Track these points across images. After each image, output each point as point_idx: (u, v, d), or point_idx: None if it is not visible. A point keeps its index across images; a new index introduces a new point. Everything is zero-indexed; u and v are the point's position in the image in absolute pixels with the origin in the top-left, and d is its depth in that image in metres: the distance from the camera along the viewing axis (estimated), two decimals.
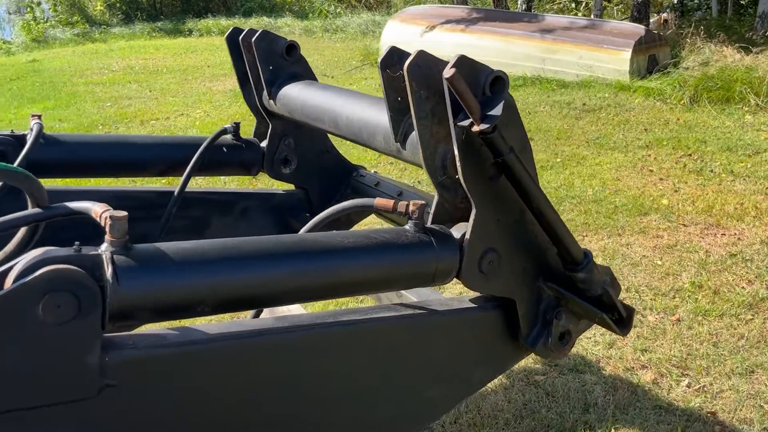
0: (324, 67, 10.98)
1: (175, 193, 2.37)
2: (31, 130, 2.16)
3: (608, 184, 5.59)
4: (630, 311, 1.87)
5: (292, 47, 2.47)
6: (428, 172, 1.71)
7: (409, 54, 1.60)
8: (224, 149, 2.58)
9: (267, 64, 2.46)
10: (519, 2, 12.54)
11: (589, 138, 6.86)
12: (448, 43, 9.88)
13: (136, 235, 2.55)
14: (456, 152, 1.56)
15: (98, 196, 2.39)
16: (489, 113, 1.51)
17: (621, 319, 1.86)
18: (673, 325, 3.47)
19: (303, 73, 2.54)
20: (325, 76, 10.32)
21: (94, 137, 2.59)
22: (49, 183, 2.84)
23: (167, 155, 2.46)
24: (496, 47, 9.30)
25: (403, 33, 10.69)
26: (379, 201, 1.72)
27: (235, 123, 2.67)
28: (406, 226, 1.64)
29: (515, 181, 1.60)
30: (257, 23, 15.01)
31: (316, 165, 2.76)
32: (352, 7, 16.11)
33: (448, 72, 1.45)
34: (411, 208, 1.65)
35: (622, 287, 3.77)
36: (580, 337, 3.20)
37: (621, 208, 5.04)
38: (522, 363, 3.05)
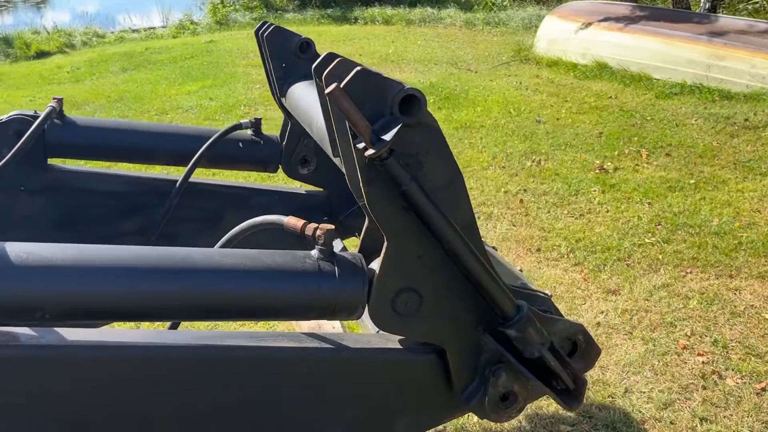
0: (471, 61, 10.74)
1: (177, 184, 2.40)
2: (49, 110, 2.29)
3: (742, 215, 4.85)
4: (580, 384, 1.58)
5: (307, 44, 2.39)
6: (354, 193, 1.56)
7: (345, 62, 1.43)
8: (240, 144, 2.58)
9: (279, 61, 2.40)
10: (702, 1, 11.31)
11: (738, 159, 6.01)
12: (602, 42, 9.19)
13: (144, 222, 2.62)
14: (359, 176, 1.39)
15: (108, 181, 2.52)
16: (382, 137, 1.32)
17: (568, 391, 1.58)
18: (755, 394, 2.92)
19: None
20: (469, 70, 10.10)
21: (112, 123, 2.70)
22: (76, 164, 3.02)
23: (180, 145, 2.50)
24: (654, 49, 8.47)
25: (558, 29, 10.12)
26: (289, 220, 1.60)
27: (256, 118, 2.65)
28: (312, 252, 1.51)
29: (421, 218, 1.39)
30: (420, 14, 15.05)
31: (336, 167, 2.66)
32: (521, 0, 15.57)
33: (330, 87, 1.28)
34: (318, 232, 1.51)
35: (709, 338, 3.26)
36: (634, 384, 2.82)
37: (745, 245, 4.35)
38: (552, 408, 2.74)
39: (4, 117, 2.29)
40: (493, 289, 1.47)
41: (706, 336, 3.38)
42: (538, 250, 4.45)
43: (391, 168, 1.32)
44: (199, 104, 8.58)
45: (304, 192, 2.73)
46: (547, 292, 1.87)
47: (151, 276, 1.34)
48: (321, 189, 2.74)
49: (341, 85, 1.28)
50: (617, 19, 9.43)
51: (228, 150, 2.54)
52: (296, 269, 1.46)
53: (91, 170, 2.52)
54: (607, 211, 5.04)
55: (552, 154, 6.37)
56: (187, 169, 2.38)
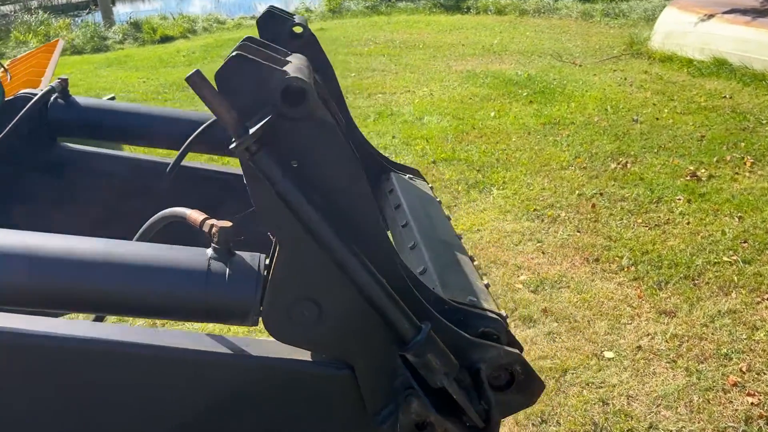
0: (578, 54, 10.17)
1: (167, 170, 2.40)
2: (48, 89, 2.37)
3: None
4: (492, 424, 1.39)
5: (299, 28, 2.29)
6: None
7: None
8: None
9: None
10: None
11: None
12: (723, 37, 8.35)
13: (144, 205, 2.65)
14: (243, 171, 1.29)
15: (114, 162, 2.57)
16: (250, 129, 1.21)
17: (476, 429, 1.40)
18: None
19: (311, 57, 2.34)
20: (573, 64, 9.56)
21: (113, 104, 2.74)
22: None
23: (179, 130, 2.50)
24: None
25: (676, 21, 9.33)
26: (191, 214, 1.52)
27: None
28: (207, 250, 1.43)
29: (300, 221, 1.27)
30: (535, 4, 14.46)
31: None
32: None
33: (191, 73, 1.19)
34: (213, 229, 1.43)
35: None
36: (662, 420, 2.50)
37: None
38: None
39: (11, 96, 2.39)
40: (387, 308, 1.31)
41: (765, 374, 2.96)
42: (596, 260, 4.10)
43: (260, 163, 1.20)
44: None
45: None
46: (502, 313, 1.67)
47: (26, 262, 1.32)
48: None
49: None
50: (744, 12, 8.53)
51: (225, 136, 2.51)
52: (184, 267, 1.37)
53: (100, 151, 2.58)
54: (688, 223, 4.56)
55: (641, 156, 5.87)
56: (179, 152, 2.37)
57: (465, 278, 1.81)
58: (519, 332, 3.37)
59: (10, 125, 2.25)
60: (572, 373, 3.03)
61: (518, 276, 3.94)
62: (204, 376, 1.46)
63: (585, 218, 4.74)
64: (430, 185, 2.62)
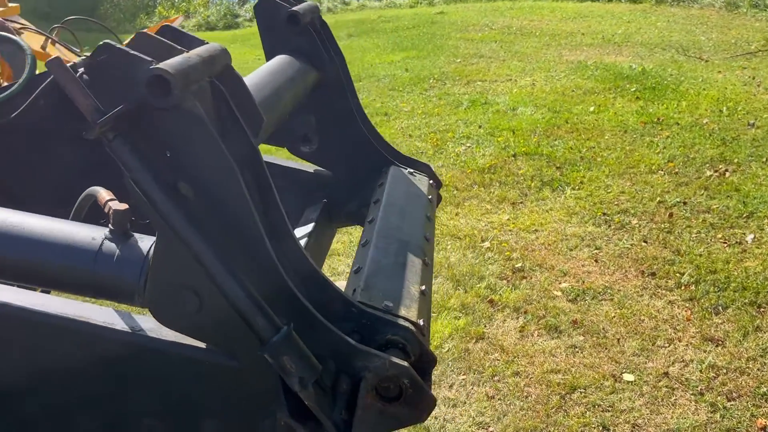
0: (708, 48, 9.33)
1: None
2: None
3: None
4: None
5: (294, 16, 2.29)
6: None
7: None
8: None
9: (267, 34, 2.35)
10: None
11: None
12: None
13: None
14: None
15: None
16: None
17: None
18: None
19: (307, 46, 2.35)
20: (699, 59, 8.80)
21: None
22: None
23: None
24: None
25: None
26: (100, 193, 1.60)
27: None
28: (105, 230, 1.50)
29: (157, 212, 1.29)
30: None
31: (342, 150, 2.56)
32: None
33: (50, 59, 1.25)
34: (110, 211, 1.50)
35: None
36: None
37: None
38: None
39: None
40: (241, 306, 1.30)
41: None
42: (653, 274, 3.80)
43: (115, 150, 1.23)
44: (393, 74, 8.78)
45: (311, 170, 2.67)
46: (419, 322, 1.61)
47: None
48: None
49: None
50: None
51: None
52: (77, 243, 1.45)
53: None
54: None
55: (745, 165, 5.32)
56: None
57: (396, 282, 1.76)
58: (539, 342, 3.21)
59: (15, 85, 2.45)
60: (581, 392, 2.85)
61: (560, 283, 3.74)
62: (97, 347, 1.52)
63: (657, 228, 4.39)
64: (431, 182, 2.56)
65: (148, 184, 1.25)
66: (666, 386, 2.86)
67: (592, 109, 6.97)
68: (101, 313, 1.55)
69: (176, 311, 1.42)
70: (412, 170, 2.61)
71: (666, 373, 2.93)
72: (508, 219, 4.62)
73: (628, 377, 2.92)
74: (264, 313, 1.32)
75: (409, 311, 1.67)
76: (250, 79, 1.91)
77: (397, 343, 1.59)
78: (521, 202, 4.93)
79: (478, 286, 3.74)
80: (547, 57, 9.37)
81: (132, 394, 1.59)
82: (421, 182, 2.54)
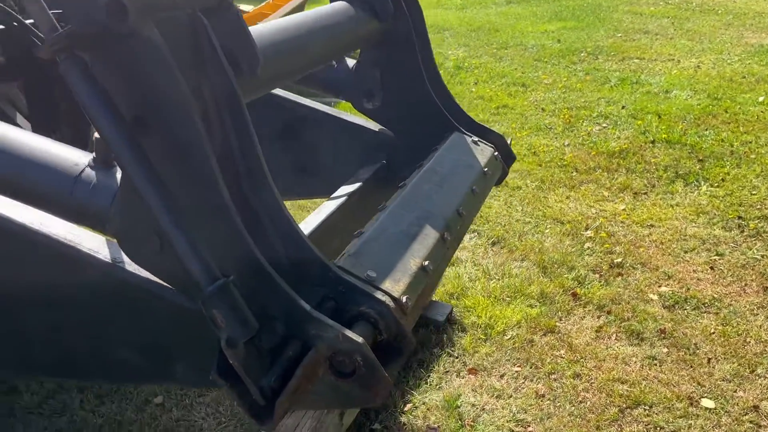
0: None
1: None
2: None
3: None
4: (275, 405, 1.26)
5: None
6: None
7: None
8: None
9: None
10: None
11: None
12: None
13: None
14: None
15: None
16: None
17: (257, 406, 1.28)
18: None
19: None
20: None
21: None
22: None
23: None
24: None
25: None
26: None
27: None
28: (89, 158, 1.52)
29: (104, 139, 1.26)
30: None
31: (404, 109, 2.44)
32: None
33: None
34: (93, 138, 1.51)
35: None
36: None
37: None
38: None
39: None
40: (180, 250, 1.25)
41: None
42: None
43: (64, 73, 1.21)
44: (543, 44, 8.30)
45: (375, 129, 2.56)
46: (402, 299, 1.48)
47: None
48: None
49: None
50: None
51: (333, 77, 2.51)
52: (62, 166, 1.48)
53: None
54: None
55: None
56: None
57: (395, 253, 1.64)
58: (614, 347, 2.89)
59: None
60: (645, 409, 2.52)
61: (660, 286, 3.33)
62: (80, 272, 1.56)
63: None
64: (496, 153, 2.35)
65: (95, 110, 1.22)
66: (751, 421, 2.44)
67: (761, 99, 6.11)
68: (91, 241, 1.57)
69: (140, 248, 1.41)
70: (477, 139, 2.41)
71: (756, 407, 2.51)
72: (624, 209, 4.20)
73: (707, 403, 2.54)
74: (200, 261, 1.26)
75: (395, 285, 1.54)
76: (276, 23, 1.83)
77: (368, 316, 1.48)
78: (645, 193, 4.45)
79: (566, 276, 3.43)
80: (723, 38, 8.34)
81: (111, 323, 1.62)
82: (482, 153, 2.35)
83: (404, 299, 1.50)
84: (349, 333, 1.33)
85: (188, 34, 1.36)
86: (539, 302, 3.23)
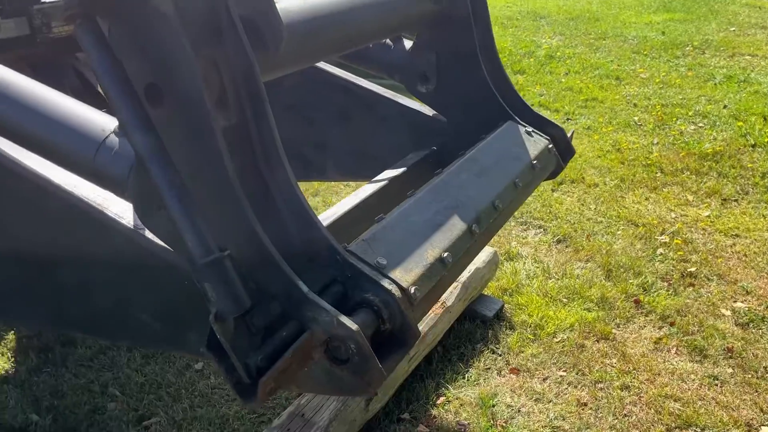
0: None
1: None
2: None
3: None
4: (259, 385, 1.25)
5: None
6: None
7: None
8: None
9: None
10: None
11: None
12: None
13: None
14: None
15: None
16: None
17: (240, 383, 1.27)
18: None
19: None
20: None
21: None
22: None
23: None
24: None
25: None
26: None
27: None
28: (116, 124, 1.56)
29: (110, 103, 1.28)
30: None
31: (458, 95, 2.37)
32: None
33: None
34: None
35: None
36: None
37: None
38: None
39: None
40: (177, 220, 1.25)
41: None
42: None
43: (79, 36, 1.24)
44: (645, 36, 7.85)
45: (429, 114, 2.50)
46: (412, 290, 1.43)
47: None
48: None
49: None
50: None
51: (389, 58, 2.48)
52: (89, 129, 1.53)
53: None
54: None
55: None
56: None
57: (413, 241, 1.59)
58: (673, 361, 2.70)
59: None
60: (694, 431, 2.34)
61: (735, 301, 3.08)
62: (105, 235, 1.61)
63: None
64: (550, 146, 2.23)
65: (106, 77, 1.25)
66: None
67: None
68: (117, 206, 1.62)
69: (152, 217, 1.43)
70: (531, 130, 2.30)
71: None
72: (708, 216, 3.90)
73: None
74: (196, 233, 1.26)
75: (405, 275, 1.49)
76: None
77: (372, 304, 1.44)
78: (735, 200, 4.12)
79: (631, 281, 3.24)
80: None
81: (132, 287, 1.66)
82: (535, 144, 2.24)
83: (413, 290, 1.44)
84: (344, 319, 1.29)
85: (207, 3, 1.35)
86: (598, 306, 3.06)
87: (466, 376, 2.63)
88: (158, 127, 1.27)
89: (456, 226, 1.68)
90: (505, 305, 3.07)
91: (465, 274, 2.89)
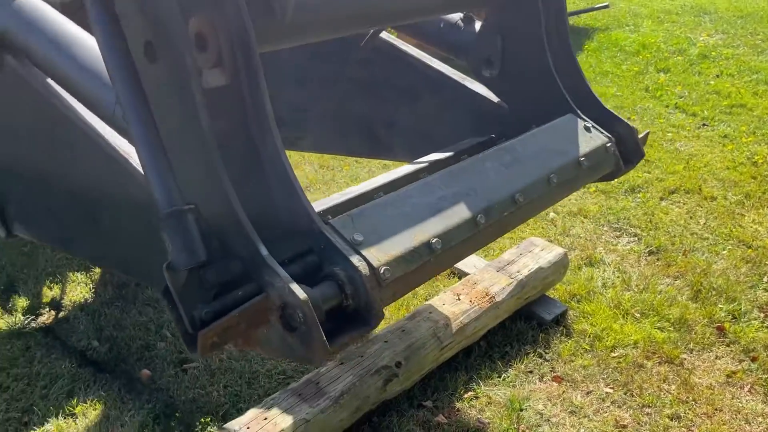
0: None
1: (362, 43, 2.51)
2: None
3: None
4: (199, 337, 1.30)
5: None
6: None
7: None
8: (441, 24, 2.46)
9: None
10: None
11: None
12: None
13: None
14: None
15: None
16: None
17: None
18: None
19: None
20: None
21: None
22: None
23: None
24: None
25: None
26: None
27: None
28: None
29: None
30: None
31: (521, 83, 2.28)
32: None
33: None
34: None
35: None
36: None
37: None
38: None
39: None
40: (147, 167, 1.33)
41: None
42: None
43: (89, 12, 1.34)
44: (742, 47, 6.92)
45: (493, 101, 2.40)
46: (381, 270, 1.41)
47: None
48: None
49: None
50: None
51: (427, 25, 2.45)
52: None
53: None
54: None
55: None
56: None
57: (402, 223, 1.56)
58: (742, 398, 2.40)
59: None
60: None
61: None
62: (126, 182, 1.75)
63: None
64: (608, 145, 2.07)
65: (102, 34, 1.34)
66: None
67: None
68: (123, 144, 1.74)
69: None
70: (591, 125, 2.15)
71: None
72: None
73: None
74: (162, 185, 1.33)
75: (379, 254, 1.49)
76: None
77: (336, 278, 1.44)
78: None
79: (720, 306, 2.92)
80: None
81: (144, 231, 1.78)
82: (589, 141, 2.10)
83: (382, 270, 1.43)
84: (295, 287, 1.31)
85: None
86: (673, 327, 2.80)
87: (503, 375, 2.53)
88: (150, 84, 1.35)
89: (457, 214, 1.62)
90: (570, 311, 2.90)
91: (523, 272, 2.76)
